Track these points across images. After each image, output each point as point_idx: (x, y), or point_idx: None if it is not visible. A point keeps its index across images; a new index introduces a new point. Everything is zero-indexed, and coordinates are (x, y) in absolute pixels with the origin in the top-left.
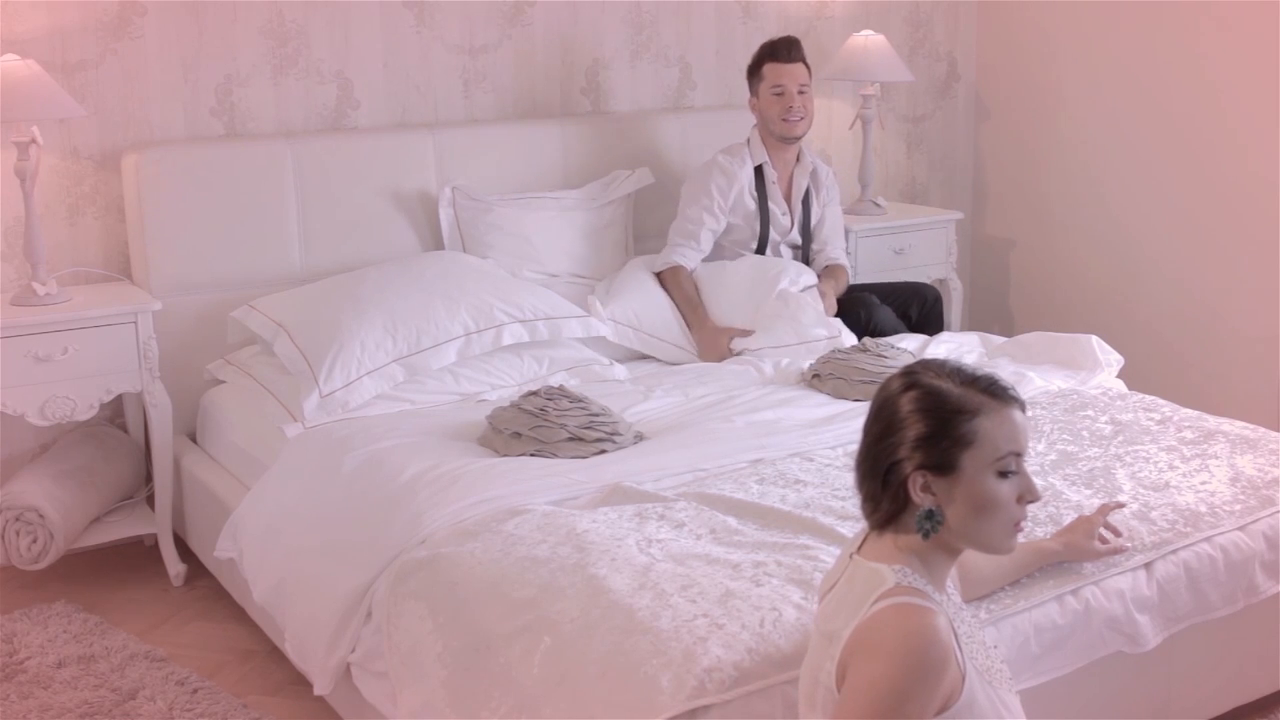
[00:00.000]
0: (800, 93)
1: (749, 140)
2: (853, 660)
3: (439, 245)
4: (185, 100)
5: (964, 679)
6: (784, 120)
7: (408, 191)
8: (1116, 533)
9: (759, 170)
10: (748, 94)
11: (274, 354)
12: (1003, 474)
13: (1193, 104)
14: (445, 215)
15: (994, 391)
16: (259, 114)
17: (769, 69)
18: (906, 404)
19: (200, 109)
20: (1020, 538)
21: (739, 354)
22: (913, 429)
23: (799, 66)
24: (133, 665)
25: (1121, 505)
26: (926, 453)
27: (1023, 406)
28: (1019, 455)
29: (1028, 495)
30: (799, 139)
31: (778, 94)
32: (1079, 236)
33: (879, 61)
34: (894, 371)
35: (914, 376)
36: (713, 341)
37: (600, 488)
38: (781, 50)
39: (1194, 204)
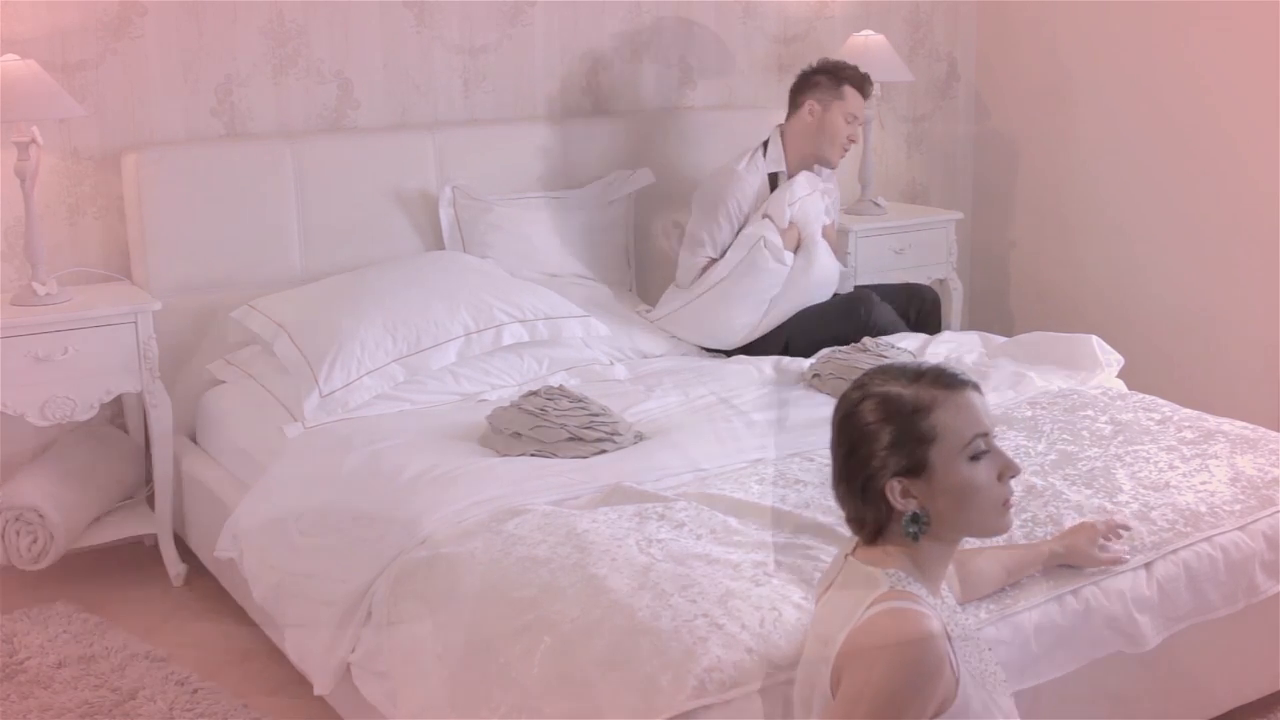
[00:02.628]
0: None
1: (767, 143)
2: (847, 665)
3: (439, 245)
4: (185, 100)
5: (958, 683)
6: (841, 148)
7: (408, 191)
8: (1127, 527)
9: (772, 178)
10: (808, 98)
11: (274, 354)
12: (975, 458)
13: (1193, 104)
14: (445, 215)
15: (943, 381)
16: (259, 114)
17: (852, 95)
18: (865, 415)
19: (200, 109)
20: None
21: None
22: (877, 439)
23: None
24: (133, 665)
25: (1128, 528)
26: (896, 459)
27: (976, 387)
28: (986, 435)
29: (1007, 471)
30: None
31: (849, 122)
32: (1079, 237)
33: (879, 61)
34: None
35: (866, 388)
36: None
37: (600, 488)
38: (867, 85)
39: (1194, 204)
